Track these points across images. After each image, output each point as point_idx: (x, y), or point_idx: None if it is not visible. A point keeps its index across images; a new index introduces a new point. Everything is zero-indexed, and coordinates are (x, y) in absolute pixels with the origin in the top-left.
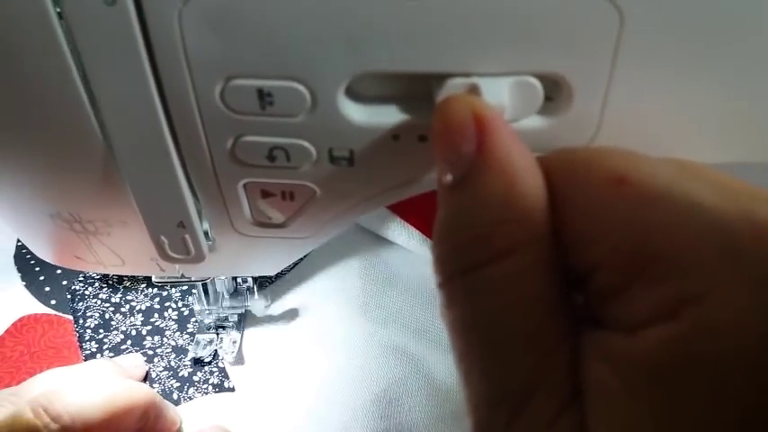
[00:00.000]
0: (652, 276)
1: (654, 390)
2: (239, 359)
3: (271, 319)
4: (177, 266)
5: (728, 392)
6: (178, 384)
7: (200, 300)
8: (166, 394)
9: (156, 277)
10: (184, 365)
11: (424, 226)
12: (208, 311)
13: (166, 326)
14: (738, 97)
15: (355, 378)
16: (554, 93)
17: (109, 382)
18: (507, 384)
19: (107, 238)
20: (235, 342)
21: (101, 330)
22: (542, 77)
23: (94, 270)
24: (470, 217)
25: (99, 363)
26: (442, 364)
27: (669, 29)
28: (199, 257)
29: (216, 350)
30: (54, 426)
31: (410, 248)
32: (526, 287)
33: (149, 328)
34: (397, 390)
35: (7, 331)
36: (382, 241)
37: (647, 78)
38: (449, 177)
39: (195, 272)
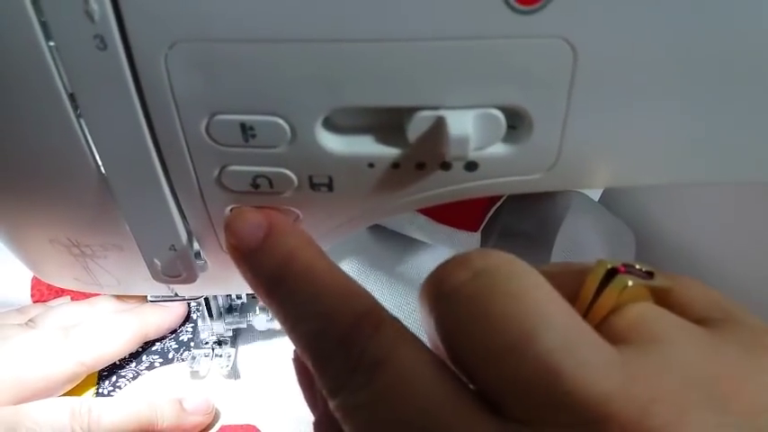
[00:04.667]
0: None
1: None
2: (234, 374)
3: (265, 334)
4: (170, 286)
5: None
6: (176, 346)
7: (202, 316)
8: (163, 352)
9: (150, 296)
10: (187, 330)
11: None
12: (207, 327)
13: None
14: (690, 121)
15: None
16: (517, 122)
17: (120, 326)
18: None
19: (103, 260)
20: (230, 357)
21: None
22: (504, 109)
23: (92, 290)
24: None
25: (104, 300)
26: None
27: (620, 62)
28: (191, 278)
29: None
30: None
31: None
32: None
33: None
34: None
35: None
36: (382, 241)
37: (602, 108)
38: None
39: (188, 290)
